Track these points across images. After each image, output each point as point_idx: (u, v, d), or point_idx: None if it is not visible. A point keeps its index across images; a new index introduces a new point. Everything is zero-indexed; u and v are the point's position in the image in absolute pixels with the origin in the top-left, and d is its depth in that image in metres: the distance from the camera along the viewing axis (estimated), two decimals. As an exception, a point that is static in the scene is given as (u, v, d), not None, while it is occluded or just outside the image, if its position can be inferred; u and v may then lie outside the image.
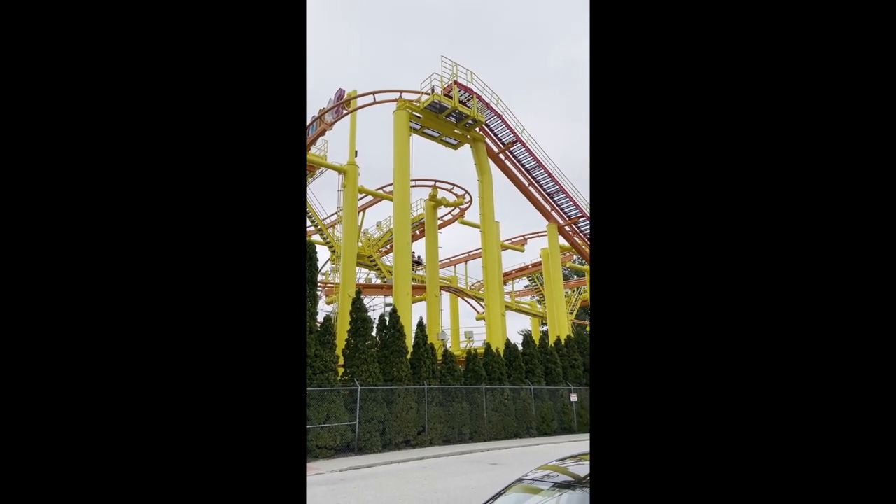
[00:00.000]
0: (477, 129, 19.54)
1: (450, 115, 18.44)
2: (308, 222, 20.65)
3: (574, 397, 17.21)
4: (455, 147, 20.07)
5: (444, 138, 19.31)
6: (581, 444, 13.56)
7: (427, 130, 18.77)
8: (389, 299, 21.42)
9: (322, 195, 27.35)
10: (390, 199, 20.64)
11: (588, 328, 34.66)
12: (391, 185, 18.76)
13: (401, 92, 18.81)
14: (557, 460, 2.59)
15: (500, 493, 2.22)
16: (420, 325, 14.66)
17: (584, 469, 2.40)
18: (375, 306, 26.35)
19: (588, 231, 23.08)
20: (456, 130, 19.11)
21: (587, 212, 22.29)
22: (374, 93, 19.07)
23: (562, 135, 78.83)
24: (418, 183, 23.12)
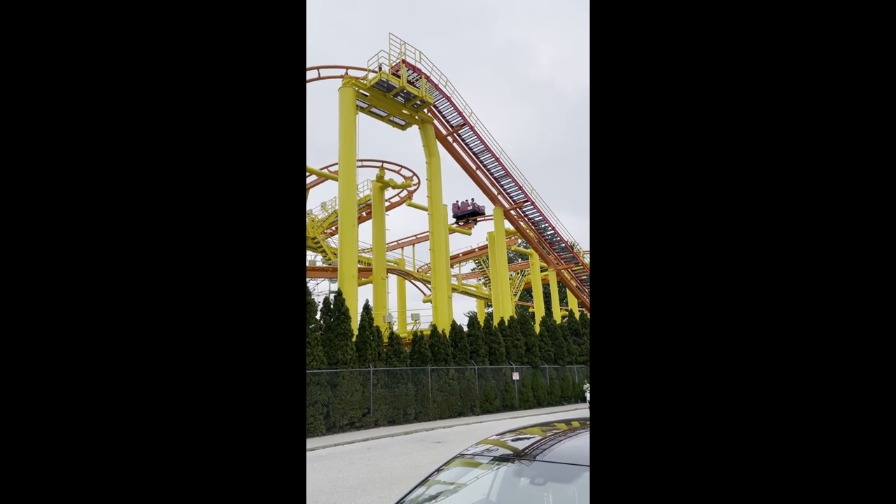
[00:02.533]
0: (425, 110, 19.29)
1: (398, 95, 18.04)
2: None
3: (516, 376, 17.83)
4: (403, 128, 19.72)
5: (391, 118, 18.90)
6: (521, 419, 14.11)
7: (374, 109, 18.29)
8: (335, 283, 21.00)
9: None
10: (335, 180, 20.00)
11: (531, 310, 35.84)
12: (336, 164, 18.18)
13: (346, 68, 18.15)
14: (497, 435, 2.65)
15: (440, 469, 2.24)
16: (366, 308, 14.49)
17: (522, 443, 2.47)
18: (321, 290, 25.72)
19: (532, 216, 23.66)
20: (404, 111, 18.76)
21: (531, 196, 22.82)
22: (318, 68, 18.27)
23: (506, 117, 79.63)
24: (365, 163, 22.61)
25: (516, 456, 2.19)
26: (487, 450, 2.32)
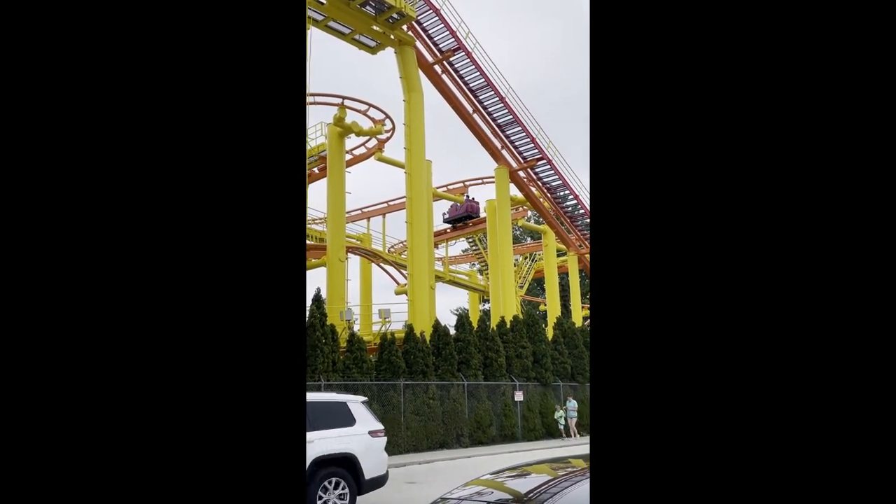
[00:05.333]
0: (405, 27, 19.04)
1: (366, 5, 17.76)
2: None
3: (519, 396, 18.12)
4: (373, 51, 19.44)
5: (357, 37, 18.68)
6: (525, 454, 14.40)
7: (333, 24, 18.00)
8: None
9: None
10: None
11: (542, 307, 36.26)
12: (279, 99, 17.93)
13: (295, -37, 17.74)
14: (492, 473, 2.69)
15: (413, 519, 2.26)
16: (317, 299, 14.51)
17: (525, 484, 2.51)
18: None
19: (548, 179, 23.72)
20: (375, 27, 18.50)
21: (548, 153, 22.84)
22: (254, -40, 17.83)
23: (515, 41, 79.10)
24: (318, 99, 22.32)
25: (517, 502, 2.23)
26: (479, 493, 2.36)
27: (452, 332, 17.77)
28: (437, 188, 28.09)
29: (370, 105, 23.26)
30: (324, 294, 15.79)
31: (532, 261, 35.17)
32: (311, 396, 7.40)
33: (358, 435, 7.28)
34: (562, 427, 18.64)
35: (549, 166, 23.17)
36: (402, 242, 28.90)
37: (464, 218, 28.72)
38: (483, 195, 29.29)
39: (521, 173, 23.38)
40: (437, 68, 20.63)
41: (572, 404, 18.85)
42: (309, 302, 14.48)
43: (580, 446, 16.31)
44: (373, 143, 24.65)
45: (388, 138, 24.73)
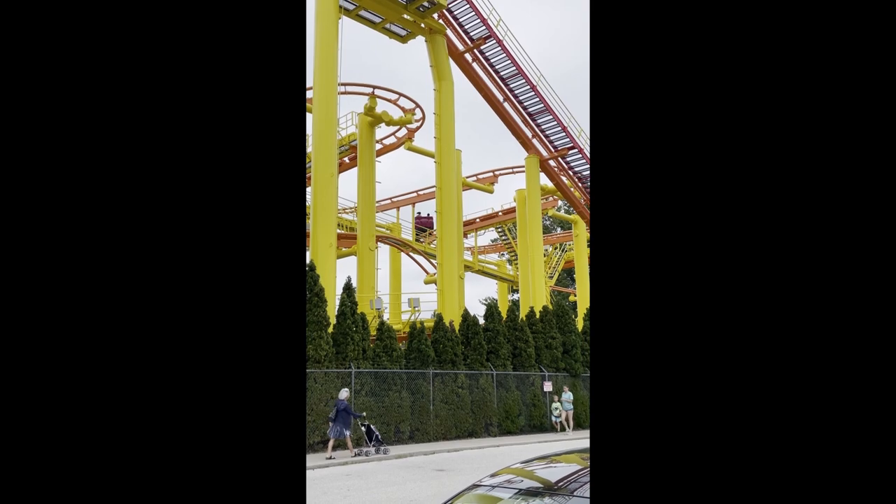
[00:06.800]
0: (435, 15, 18.98)
1: (397, -7, 17.76)
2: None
3: (548, 386, 18.08)
4: (403, 39, 19.44)
5: (387, 26, 18.70)
6: (554, 444, 14.40)
7: (364, 13, 18.05)
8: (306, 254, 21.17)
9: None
10: (308, 111, 19.94)
11: (572, 298, 36.01)
12: (310, 89, 18.05)
13: (327, -48, 17.79)
14: (522, 462, 2.72)
15: (446, 504, 2.32)
16: (348, 288, 14.68)
17: (555, 473, 2.54)
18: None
19: (579, 168, 23.47)
20: (405, 15, 18.49)
21: (580, 142, 22.59)
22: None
23: (548, 26, 78.04)
24: (350, 89, 22.43)
25: (548, 490, 2.25)
26: (509, 481, 2.39)
27: (481, 321, 17.81)
28: (467, 177, 28.04)
29: (400, 94, 23.29)
30: (354, 283, 15.96)
31: (562, 251, 34.91)
32: None
33: None
34: (555, 420, 17.87)
35: (580, 155, 22.92)
36: (431, 232, 28.96)
37: (420, 229, 30.73)
38: (513, 184, 29.13)
39: (552, 162, 23.19)
40: (468, 57, 20.53)
41: (567, 396, 18.13)
42: (339, 290, 14.67)
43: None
44: (403, 132, 24.70)
45: (418, 128, 24.76)
